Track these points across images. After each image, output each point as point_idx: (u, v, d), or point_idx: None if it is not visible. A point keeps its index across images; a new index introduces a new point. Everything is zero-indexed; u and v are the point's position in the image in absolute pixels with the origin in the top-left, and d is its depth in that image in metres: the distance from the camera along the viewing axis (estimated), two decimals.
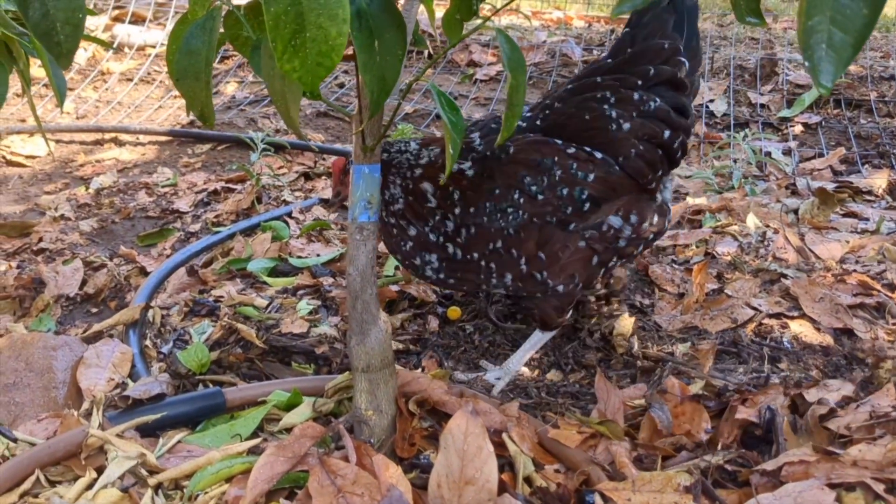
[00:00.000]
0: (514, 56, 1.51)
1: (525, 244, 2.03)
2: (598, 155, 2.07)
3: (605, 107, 2.08)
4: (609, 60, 2.15)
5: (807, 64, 1.02)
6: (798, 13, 1.02)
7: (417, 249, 2.10)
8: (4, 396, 2.00)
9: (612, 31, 6.29)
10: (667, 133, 2.08)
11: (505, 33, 1.51)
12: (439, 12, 1.73)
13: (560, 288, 2.11)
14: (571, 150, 2.06)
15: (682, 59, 2.10)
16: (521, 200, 2.02)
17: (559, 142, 2.09)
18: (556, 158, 2.04)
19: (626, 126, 2.06)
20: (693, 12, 2.15)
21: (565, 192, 2.02)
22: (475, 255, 2.06)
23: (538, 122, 2.16)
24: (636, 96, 2.07)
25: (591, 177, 2.04)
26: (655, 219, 2.14)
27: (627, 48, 2.12)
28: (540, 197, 2.02)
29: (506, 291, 2.17)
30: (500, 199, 2.02)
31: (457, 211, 2.05)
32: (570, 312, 2.23)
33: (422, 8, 1.83)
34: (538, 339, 2.25)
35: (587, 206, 2.04)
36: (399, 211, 2.09)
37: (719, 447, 1.84)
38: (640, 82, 2.08)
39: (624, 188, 2.08)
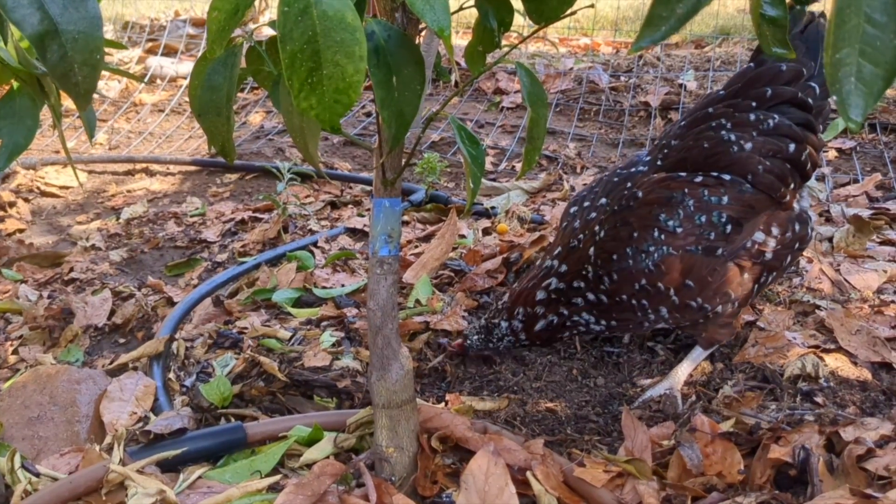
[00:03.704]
0: (533, 89, 1.50)
1: (668, 276, 2.08)
2: (727, 177, 2.11)
3: (723, 132, 2.13)
4: (722, 92, 2.21)
5: (835, 98, 0.99)
6: (825, 45, 0.99)
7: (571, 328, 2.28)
8: (29, 430, 2.01)
9: (640, 56, 6.26)
10: (791, 147, 2.10)
11: (525, 67, 1.49)
12: (463, 41, 1.73)
13: (719, 309, 2.15)
14: (699, 179, 2.13)
15: (813, 84, 2.13)
16: (662, 237, 2.08)
17: (684, 174, 2.15)
18: (685, 190, 2.11)
19: (748, 145, 2.11)
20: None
21: (703, 219, 2.07)
22: (623, 296, 2.14)
23: (659, 163, 2.24)
24: (752, 117, 2.11)
25: (725, 199, 2.09)
26: (797, 228, 2.17)
27: (746, 75, 2.18)
28: (679, 230, 2.08)
29: (668, 325, 2.23)
30: (640, 241, 2.09)
31: (596, 275, 2.17)
32: (734, 329, 2.28)
33: None
34: (699, 353, 2.28)
35: (729, 227, 2.08)
36: (541, 344, 2.34)
37: (752, 488, 1.78)
38: (754, 104, 2.13)
39: (761, 204, 2.11)
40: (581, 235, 2.23)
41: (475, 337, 2.35)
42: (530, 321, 2.26)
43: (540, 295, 2.24)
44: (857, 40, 0.98)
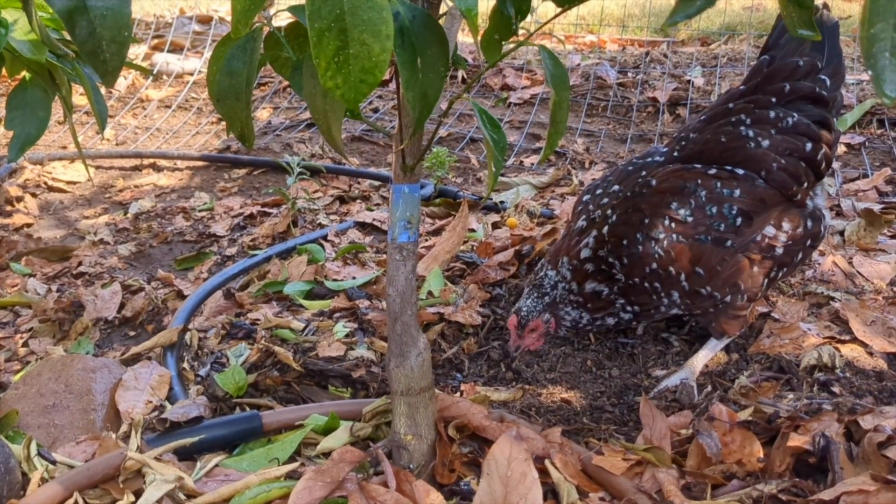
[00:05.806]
0: (557, 72, 1.49)
1: (678, 262, 2.09)
2: (740, 171, 2.13)
3: (742, 128, 2.15)
4: (742, 87, 2.22)
5: (870, 73, 0.98)
6: (860, 21, 0.98)
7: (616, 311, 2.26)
8: (44, 418, 2.00)
9: (647, 53, 6.25)
10: (808, 146, 2.12)
11: (548, 49, 1.49)
12: (470, 39, 1.72)
13: (728, 299, 2.15)
14: (713, 171, 2.15)
15: (823, 77, 2.15)
16: (672, 225, 2.09)
17: (699, 166, 2.16)
18: (698, 181, 2.13)
19: (766, 143, 2.13)
20: (833, 32, 2.19)
21: (714, 210, 2.09)
22: (636, 279, 2.15)
23: (675, 154, 2.26)
24: (772, 114, 2.13)
25: (737, 192, 2.10)
26: (810, 224, 2.18)
27: (763, 70, 2.19)
28: (689, 219, 2.09)
29: (681, 311, 2.24)
30: (650, 227, 2.11)
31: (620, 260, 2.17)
32: (746, 322, 2.28)
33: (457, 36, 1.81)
34: (714, 345, 2.29)
35: (739, 220, 2.09)
36: (590, 320, 2.25)
37: (771, 476, 1.77)
38: (774, 100, 2.14)
39: (772, 199, 2.13)
40: (597, 213, 2.23)
41: (527, 301, 2.26)
42: (580, 274, 2.21)
43: (584, 253, 2.21)
44: (891, 15, 0.97)
